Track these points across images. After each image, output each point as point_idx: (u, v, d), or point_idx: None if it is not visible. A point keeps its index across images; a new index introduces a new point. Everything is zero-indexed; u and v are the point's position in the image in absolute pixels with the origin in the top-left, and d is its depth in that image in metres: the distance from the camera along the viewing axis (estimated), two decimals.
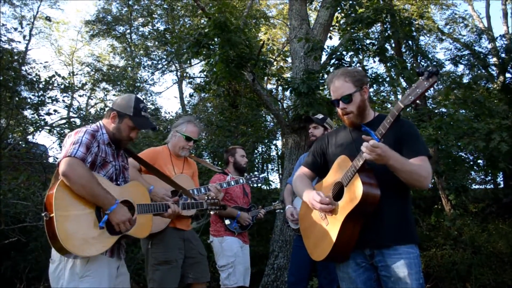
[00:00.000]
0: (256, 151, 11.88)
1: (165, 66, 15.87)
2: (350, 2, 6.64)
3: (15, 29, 8.78)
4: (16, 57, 7.47)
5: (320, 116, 4.09)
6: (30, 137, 8.26)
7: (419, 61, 10.95)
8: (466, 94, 9.06)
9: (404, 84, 10.79)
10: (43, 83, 7.30)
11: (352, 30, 6.82)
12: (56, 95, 7.50)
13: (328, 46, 7.33)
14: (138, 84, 12.84)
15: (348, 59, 6.79)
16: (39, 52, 33.89)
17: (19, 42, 11.58)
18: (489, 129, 6.05)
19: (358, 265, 2.25)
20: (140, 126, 2.58)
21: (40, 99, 7.26)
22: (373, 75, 6.96)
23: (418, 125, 6.59)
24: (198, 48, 6.45)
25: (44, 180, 6.13)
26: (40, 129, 7.77)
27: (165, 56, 15.42)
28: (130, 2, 15.52)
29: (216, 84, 7.36)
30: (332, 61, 6.87)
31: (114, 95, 13.33)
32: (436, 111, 7.62)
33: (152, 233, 3.16)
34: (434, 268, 7.55)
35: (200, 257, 3.52)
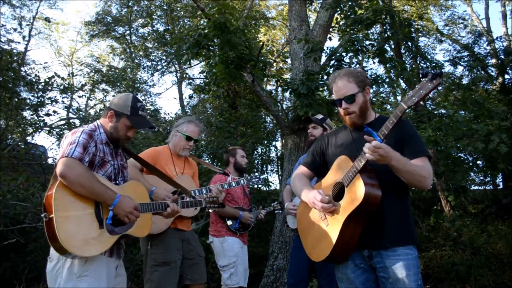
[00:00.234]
0: (255, 152, 11.86)
1: (165, 67, 15.87)
2: (350, 3, 6.64)
3: (15, 29, 8.75)
4: (15, 58, 7.48)
5: (319, 116, 4.09)
6: (29, 138, 8.25)
7: (418, 62, 10.96)
8: (465, 95, 9.07)
9: (403, 85, 10.81)
10: (43, 84, 7.29)
11: (351, 31, 6.83)
12: (55, 96, 7.51)
13: (327, 47, 7.34)
14: (138, 85, 12.82)
15: (348, 60, 6.80)
16: (38, 52, 33.93)
17: (19, 42, 11.54)
18: (488, 131, 6.06)
19: (356, 266, 2.25)
20: (137, 125, 2.57)
21: (39, 100, 7.25)
22: (373, 76, 6.97)
23: (418, 126, 6.59)
24: (198, 49, 6.44)
25: (43, 181, 6.13)
26: (40, 130, 7.76)
27: (164, 57, 15.42)
28: (129, 3, 15.53)
29: (215, 85, 7.36)
30: (332, 62, 6.88)
31: (113, 96, 13.30)
32: (435, 112, 7.61)
33: (152, 234, 3.17)
34: (434, 269, 7.55)
35: (198, 258, 3.52)
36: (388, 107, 11.02)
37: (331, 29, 7.88)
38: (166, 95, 43.29)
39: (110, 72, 14.08)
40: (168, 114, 15.48)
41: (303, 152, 6.42)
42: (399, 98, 14.23)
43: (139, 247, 3.68)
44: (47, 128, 7.69)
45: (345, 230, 2.14)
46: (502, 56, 11.30)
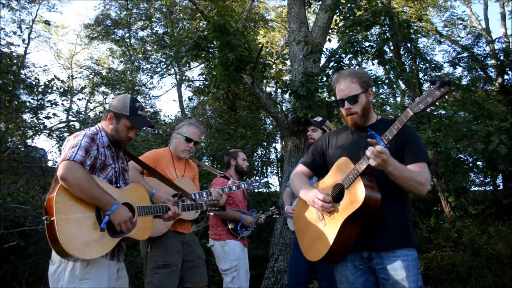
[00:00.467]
0: (255, 154, 11.87)
1: (164, 70, 15.88)
2: (349, 5, 6.65)
3: (14, 32, 8.75)
4: (15, 61, 7.47)
5: (318, 118, 4.09)
6: (29, 141, 8.24)
7: (417, 63, 10.97)
8: (464, 96, 9.07)
9: (403, 86, 10.82)
10: (42, 86, 7.29)
11: (351, 33, 6.83)
12: (55, 99, 7.49)
13: (327, 49, 7.36)
14: (137, 87, 12.83)
15: (347, 62, 6.81)
16: (38, 55, 33.84)
17: (18, 45, 11.58)
18: (488, 131, 6.06)
19: (356, 267, 2.25)
20: (137, 125, 2.58)
21: (39, 102, 7.25)
22: (372, 77, 6.97)
23: (417, 127, 6.60)
24: (197, 51, 6.44)
25: (43, 184, 6.13)
26: (39, 133, 7.75)
27: (164, 60, 15.43)
28: (129, 6, 15.55)
29: (215, 87, 7.36)
30: (331, 63, 6.88)
31: (113, 98, 13.25)
32: (435, 113, 7.61)
33: (153, 237, 3.16)
34: (434, 270, 7.55)
35: (199, 260, 3.51)
36: (388, 108, 11.04)
37: (330, 31, 7.90)
38: (166, 98, 43.36)
39: (109, 74, 14.09)
40: (168, 116, 15.45)
41: (303, 154, 6.43)
42: (398, 99, 14.26)
43: (140, 250, 3.68)
44: (47, 131, 7.68)
45: (343, 231, 2.15)
46: (502, 57, 11.32)
